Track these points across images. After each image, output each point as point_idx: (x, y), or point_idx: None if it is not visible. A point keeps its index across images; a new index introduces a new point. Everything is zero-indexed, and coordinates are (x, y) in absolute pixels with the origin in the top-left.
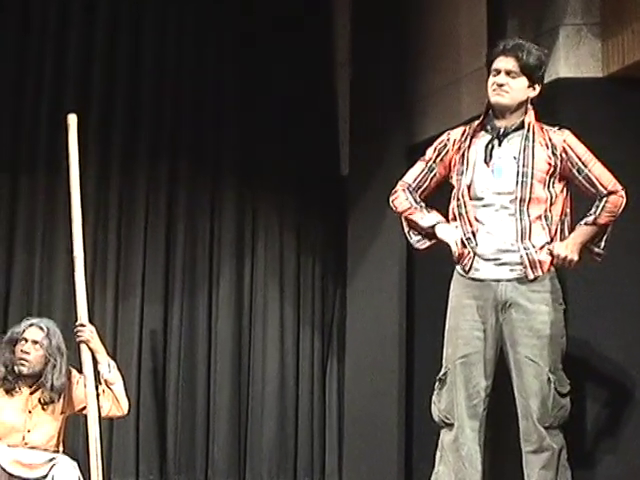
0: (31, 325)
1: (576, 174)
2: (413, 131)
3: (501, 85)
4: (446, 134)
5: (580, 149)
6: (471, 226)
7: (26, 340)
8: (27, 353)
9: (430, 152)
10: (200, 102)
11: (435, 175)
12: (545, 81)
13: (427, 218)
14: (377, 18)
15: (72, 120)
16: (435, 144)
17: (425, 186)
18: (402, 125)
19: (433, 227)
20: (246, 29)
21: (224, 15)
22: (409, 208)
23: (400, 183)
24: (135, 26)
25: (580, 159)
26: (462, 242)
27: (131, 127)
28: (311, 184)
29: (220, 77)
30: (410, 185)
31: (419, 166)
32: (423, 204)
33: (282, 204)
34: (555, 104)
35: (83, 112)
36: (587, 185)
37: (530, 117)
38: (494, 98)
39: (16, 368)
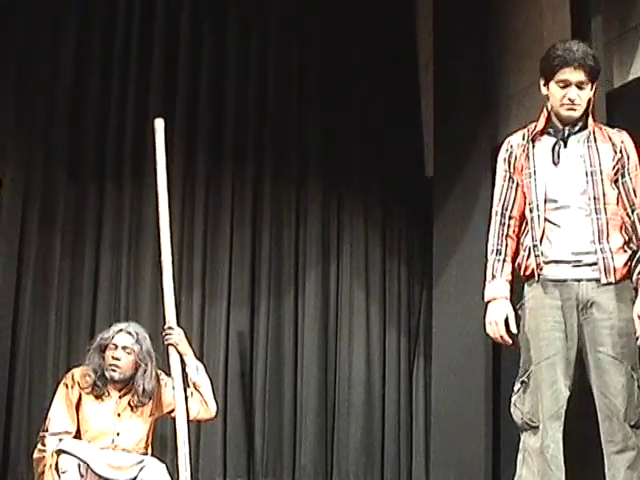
0: (120, 331)
1: (619, 177)
2: (497, 131)
3: (573, 100)
4: (506, 142)
5: (633, 154)
6: (542, 231)
7: (116, 346)
8: (118, 359)
9: (501, 165)
10: (284, 104)
11: (517, 184)
12: (630, 78)
13: (491, 287)
14: (459, 19)
15: (159, 124)
16: (501, 156)
17: (514, 200)
18: (486, 125)
19: (489, 301)
20: (330, 32)
21: (307, 18)
22: (491, 252)
23: (494, 215)
24: (219, 27)
25: (629, 164)
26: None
27: (216, 130)
28: (396, 186)
29: (304, 79)
30: (503, 215)
31: (499, 185)
32: (505, 256)
33: (367, 207)
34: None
35: (168, 116)
36: (622, 191)
37: (591, 117)
38: (567, 113)
39: (107, 374)
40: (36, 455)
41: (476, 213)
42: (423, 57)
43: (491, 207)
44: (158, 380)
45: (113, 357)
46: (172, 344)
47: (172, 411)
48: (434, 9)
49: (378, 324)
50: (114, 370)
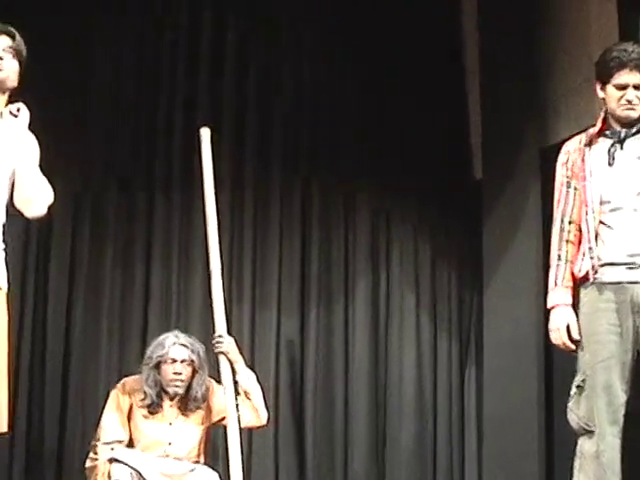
0: (174, 344)
1: None
2: (546, 133)
3: (631, 101)
4: (564, 147)
5: None
6: (596, 233)
7: (174, 360)
8: (179, 374)
9: (559, 170)
10: (331, 112)
11: (575, 188)
12: None
13: (553, 294)
14: (505, 21)
15: (205, 134)
16: (560, 161)
17: (572, 205)
18: (535, 127)
19: (551, 308)
20: (374, 39)
21: (353, 26)
22: (553, 258)
23: (554, 221)
24: (266, 37)
25: None
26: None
27: (263, 139)
28: (445, 190)
29: (348, 89)
30: (562, 220)
31: (557, 191)
32: (565, 261)
33: (416, 212)
34: None
35: (216, 126)
36: None
37: None
38: (625, 113)
39: (170, 390)
40: (89, 464)
41: (526, 215)
42: (470, 59)
43: (542, 209)
44: (209, 388)
45: (174, 372)
46: (222, 352)
47: (223, 419)
48: (479, 10)
49: (428, 330)
50: (177, 385)
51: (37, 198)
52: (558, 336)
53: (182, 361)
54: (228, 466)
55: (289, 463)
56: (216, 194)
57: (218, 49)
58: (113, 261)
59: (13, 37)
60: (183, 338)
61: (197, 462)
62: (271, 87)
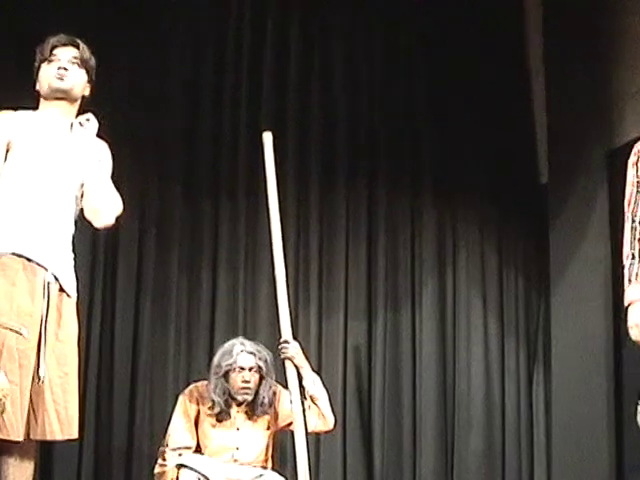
0: (242, 352)
1: None
2: (613, 134)
3: None
4: (635, 147)
5: None
6: None
7: (242, 368)
8: (248, 382)
9: (630, 170)
10: (394, 117)
11: None
12: None
13: (629, 291)
14: (569, 22)
15: (267, 138)
16: (630, 161)
17: None
18: (601, 128)
19: (628, 305)
20: (437, 43)
21: (414, 27)
22: (626, 257)
23: (625, 220)
24: (327, 40)
25: None
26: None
27: (328, 144)
28: (510, 194)
29: (413, 91)
30: (633, 220)
31: (628, 190)
32: (638, 259)
33: (482, 216)
34: None
35: (280, 131)
36: None
37: None
38: None
39: (239, 397)
40: (157, 470)
41: (593, 218)
42: (534, 61)
43: (609, 211)
44: (276, 393)
45: (243, 380)
46: (289, 357)
47: (290, 424)
48: (544, 11)
49: (496, 333)
50: (246, 393)
51: (105, 208)
52: (638, 332)
53: (250, 369)
54: (296, 472)
55: (357, 469)
56: (280, 198)
57: (281, 52)
58: (179, 267)
59: (78, 47)
60: (250, 345)
61: (264, 467)
62: (334, 89)
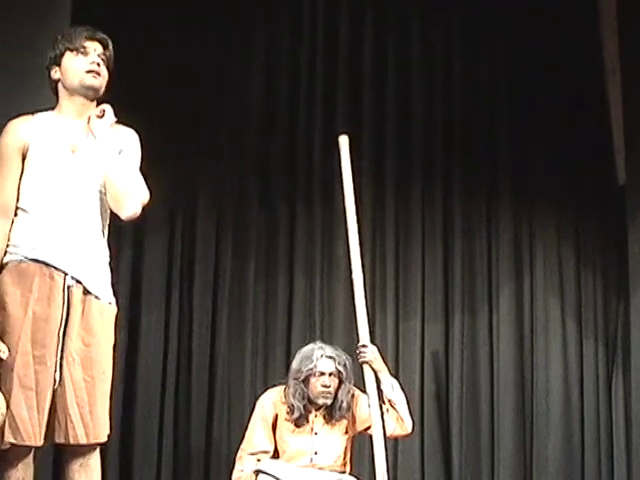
0: (322, 357)
1: None
2: None
3: None
4: None
5: None
6: None
7: (322, 373)
8: (327, 386)
9: None
10: (471, 119)
11: None
12: None
13: None
14: None
15: (343, 141)
16: None
17: None
18: None
19: None
20: (513, 43)
21: (491, 32)
22: None
23: None
24: (403, 42)
25: None
26: None
27: (403, 149)
28: (587, 196)
29: (491, 93)
30: None
31: None
32: None
33: (559, 218)
34: None
35: (355, 135)
36: None
37: None
38: None
39: (319, 401)
40: (235, 475)
41: None
42: (609, 60)
43: None
44: (353, 397)
45: (323, 385)
46: (367, 361)
47: (368, 428)
48: (618, 9)
49: (574, 337)
50: (326, 397)
51: (127, 197)
52: None
53: (330, 374)
54: (374, 476)
55: (435, 473)
56: (356, 202)
57: (355, 56)
58: (256, 273)
59: (106, 45)
60: (329, 350)
61: (343, 472)
62: (410, 92)
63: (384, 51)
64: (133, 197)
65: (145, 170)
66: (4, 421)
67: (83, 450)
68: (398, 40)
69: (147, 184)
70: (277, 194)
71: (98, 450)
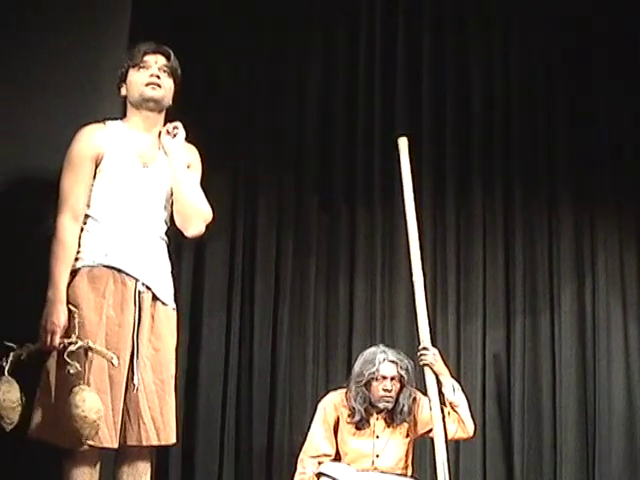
0: (384, 360)
1: None
2: None
3: None
4: None
5: None
6: None
7: (384, 377)
8: (389, 390)
9: None
10: (531, 121)
11: None
12: None
13: None
14: None
15: (402, 143)
16: None
17: None
18: None
19: None
20: (573, 47)
21: (549, 32)
22: None
23: None
24: (461, 45)
25: None
26: None
27: (463, 150)
28: None
29: (550, 93)
30: None
31: None
32: None
33: (620, 220)
34: None
35: (415, 138)
36: None
37: None
38: None
39: (380, 405)
40: (297, 478)
41: None
42: None
43: None
44: (415, 400)
45: (385, 389)
46: (428, 364)
47: (429, 431)
48: None
49: (637, 339)
50: (387, 401)
51: (194, 216)
52: None
53: (392, 378)
54: (436, 478)
55: (497, 476)
56: (416, 204)
57: (414, 59)
58: (317, 276)
59: (168, 57)
60: (392, 354)
61: (404, 475)
62: (470, 96)
63: (442, 55)
64: (199, 217)
65: (207, 174)
66: (91, 423)
67: (134, 451)
68: (456, 43)
69: (207, 192)
70: (337, 197)
71: (150, 452)
